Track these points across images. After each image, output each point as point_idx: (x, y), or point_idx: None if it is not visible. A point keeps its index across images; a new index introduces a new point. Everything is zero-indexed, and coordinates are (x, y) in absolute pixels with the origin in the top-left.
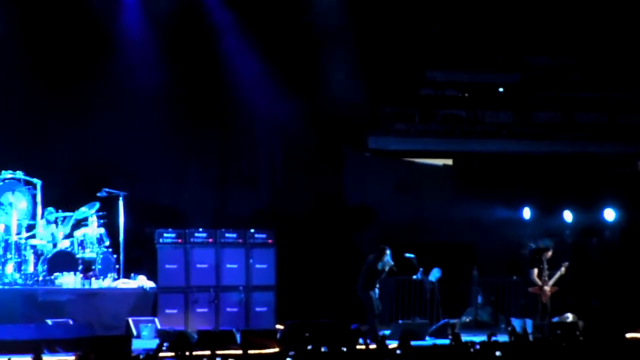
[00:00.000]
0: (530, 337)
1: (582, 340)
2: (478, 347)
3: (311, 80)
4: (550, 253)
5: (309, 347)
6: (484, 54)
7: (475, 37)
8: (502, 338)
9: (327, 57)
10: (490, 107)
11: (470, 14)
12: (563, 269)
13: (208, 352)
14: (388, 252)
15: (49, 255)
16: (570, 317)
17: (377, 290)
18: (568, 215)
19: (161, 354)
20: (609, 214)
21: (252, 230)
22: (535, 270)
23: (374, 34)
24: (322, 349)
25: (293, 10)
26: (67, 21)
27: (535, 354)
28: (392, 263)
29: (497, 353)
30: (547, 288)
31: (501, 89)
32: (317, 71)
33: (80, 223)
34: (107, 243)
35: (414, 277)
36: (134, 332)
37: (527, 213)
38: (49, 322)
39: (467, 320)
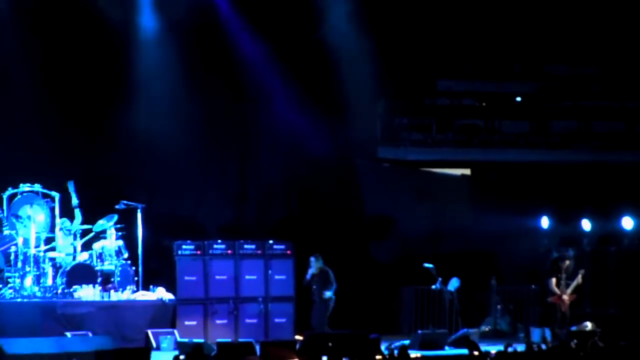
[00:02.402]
0: (544, 346)
1: (601, 349)
2: (494, 355)
3: (329, 93)
4: (568, 262)
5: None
6: (501, 63)
7: (493, 46)
8: (521, 347)
9: (343, 69)
10: (508, 117)
11: (488, 24)
12: (580, 277)
13: None
14: (311, 259)
15: (68, 268)
16: (589, 325)
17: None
18: (586, 224)
19: None
20: (627, 223)
21: (271, 242)
22: (554, 280)
23: (390, 44)
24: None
25: (307, 24)
26: (86, 38)
27: None
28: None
29: None
30: (565, 297)
31: (519, 99)
32: (334, 84)
33: (98, 235)
34: (126, 255)
35: (433, 287)
36: (154, 344)
37: (545, 222)
38: (68, 334)
39: (486, 329)
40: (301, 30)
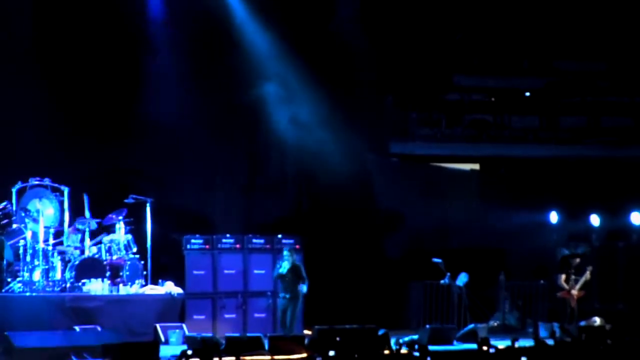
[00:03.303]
0: (551, 341)
1: (609, 344)
2: (493, 350)
3: (338, 86)
4: (578, 260)
5: (331, 353)
6: (511, 58)
7: (502, 42)
8: (529, 342)
9: (351, 63)
10: (517, 112)
11: (497, 19)
12: (588, 273)
13: (234, 359)
14: (285, 254)
15: (77, 262)
16: (597, 321)
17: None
18: (595, 219)
19: None
20: (636, 218)
21: (280, 236)
22: (563, 276)
23: (400, 40)
24: (351, 354)
25: (317, 16)
26: (96, 32)
27: (560, 358)
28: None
29: (523, 359)
30: (574, 292)
31: (528, 94)
32: (343, 78)
33: (108, 229)
34: (135, 249)
35: (442, 281)
36: (162, 338)
37: (554, 217)
38: (77, 328)
39: (495, 324)
40: (312, 23)
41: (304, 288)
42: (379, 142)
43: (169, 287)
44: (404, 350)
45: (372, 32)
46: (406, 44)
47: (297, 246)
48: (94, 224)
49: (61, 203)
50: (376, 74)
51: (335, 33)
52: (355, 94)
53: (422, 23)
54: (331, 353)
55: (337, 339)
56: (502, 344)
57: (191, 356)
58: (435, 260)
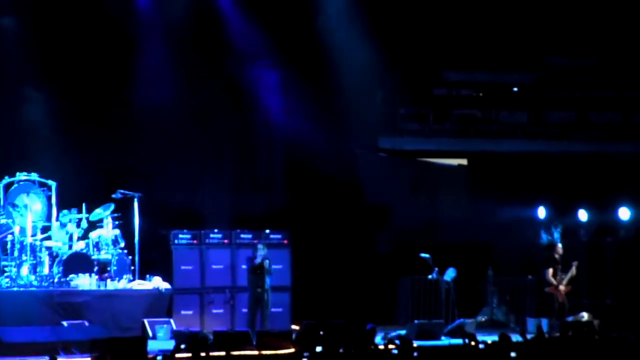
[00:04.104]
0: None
1: (597, 340)
2: (482, 346)
3: (326, 82)
4: (560, 248)
5: (318, 349)
6: (499, 54)
7: (490, 37)
8: (517, 338)
9: (342, 59)
10: (505, 107)
11: (485, 14)
12: (574, 268)
13: (223, 353)
14: (260, 246)
15: (65, 257)
16: (585, 316)
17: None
18: (583, 215)
19: (177, 355)
20: (624, 213)
21: (268, 231)
22: (550, 270)
23: (388, 35)
24: (339, 350)
25: (305, 13)
26: (85, 27)
27: (545, 354)
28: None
29: (512, 354)
30: (562, 287)
31: (516, 89)
32: (330, 72)
33: (95, 225)
34: (123, 244)
35: (430, 276)
36: (150, 333)
37: (542, 212)
38: (65, 323)
39: (483, 319)
40: (300, 19)
41: (268, 282)
42: (368, 138)
43: (157, 282)
44: (391, 345)
45: (360, 28)
46: (395, 39)
47: (285, 241)
48: (75, 217)
49: (49, 198)
50: (366, 69)
51: (322, 28)
52: (344, 89)
53: (411, 18)
54: (318, 348)
55: (324, 334)
56: (490, 339)
57: (182, 351)
58: (423, 255)
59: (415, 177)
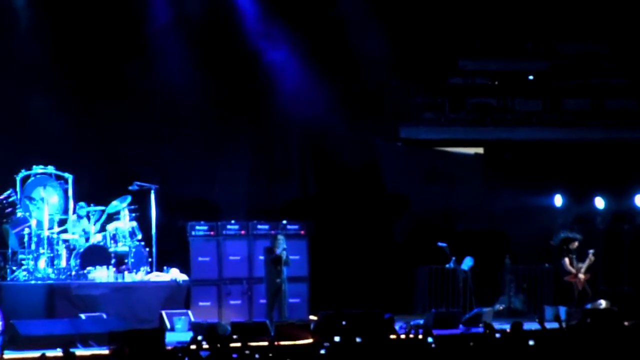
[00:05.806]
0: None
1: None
2: (499, 335)
3: (343, 72)
4: (577, 243)
5: (337, 339)
6: (514, 41)
7: (505, 25)
8: (535, 326)
9: (358, 48)
10: (520, 95)
11: (500, 2)
12: (591, 256)
13: (241, 344)
14: (281, 237)
15: (82, 250)
16: (603, 303)
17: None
18: (599, 202)
19: (194, 347)
20: None
21: (285, 222)
22: (567, 260)
23: (404, 23)
24: (357, 339)
25: (323, 1)
26: (99, 22)
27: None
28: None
29: (531, 342)
30: (581, 275)
31: (531, 77)
32: (349, 62)
33: (112, 217)
34: (140, 236)
35: (447, 266)
36: (168, 325)
37: (558, 200)
38: (83, 316)
39: (500, 308)
40: (318, 6)
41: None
42: (387, 127)
43: (174, 274)
44: (412, 335)
45: (377, 18)
46: (411, 28)
47: (302, 232)
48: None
49: (65, 191)
50: (382, 60)
51: (339, 18)
52: (362, 78)
53: (427, 7)
54: (337, 338)
55: (343, 323)
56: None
57: (201, 342)
58: (441, 244)
59: (432, 166)
